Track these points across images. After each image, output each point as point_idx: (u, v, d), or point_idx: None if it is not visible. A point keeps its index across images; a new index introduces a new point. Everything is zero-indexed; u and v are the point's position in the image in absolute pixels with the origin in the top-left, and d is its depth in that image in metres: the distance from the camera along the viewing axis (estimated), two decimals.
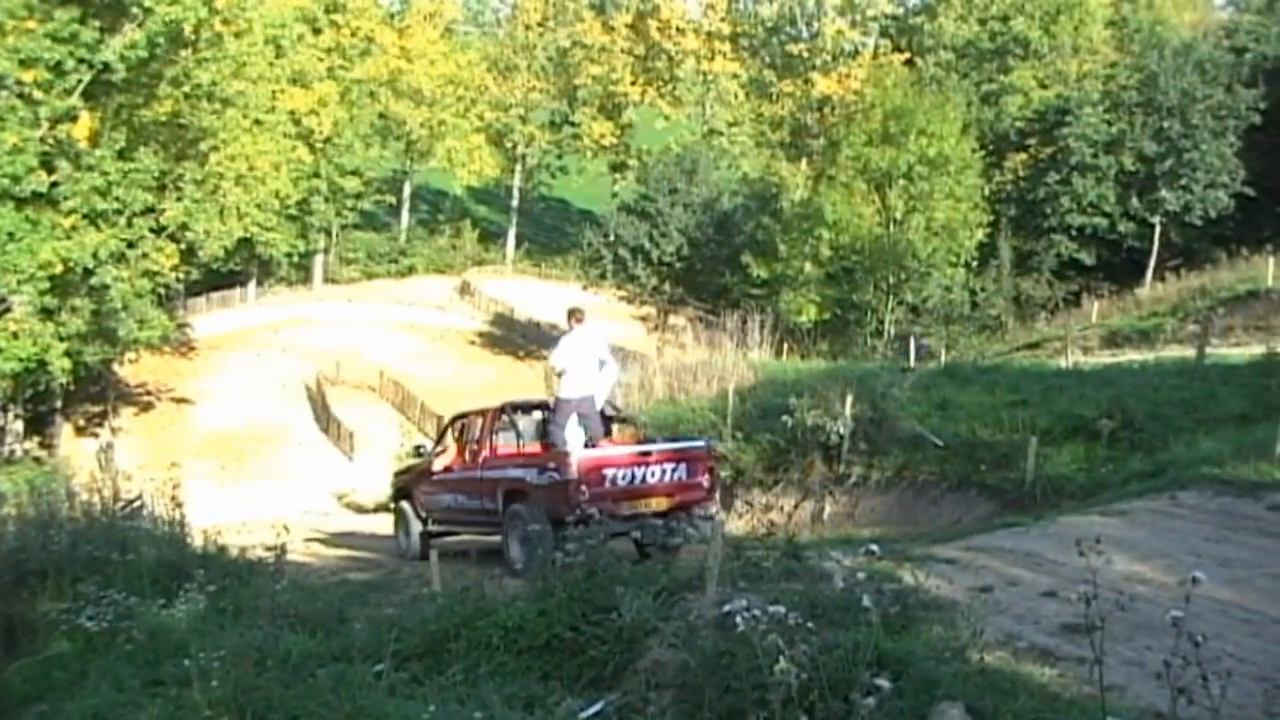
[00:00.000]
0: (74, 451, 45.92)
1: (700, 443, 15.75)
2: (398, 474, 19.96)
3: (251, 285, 75.93)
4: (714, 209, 56.51)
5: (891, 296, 46.57)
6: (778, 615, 6.22)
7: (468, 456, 16.84)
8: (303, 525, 23.60)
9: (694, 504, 14.80)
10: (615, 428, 16.97)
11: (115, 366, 51.37)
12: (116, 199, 41.12)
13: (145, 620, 11.57)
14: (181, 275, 50.45)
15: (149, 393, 56.49)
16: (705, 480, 14.92)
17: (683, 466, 14.69)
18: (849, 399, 19.98)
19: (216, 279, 68.20)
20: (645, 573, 9.28)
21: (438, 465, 17.62)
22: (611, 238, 57.65)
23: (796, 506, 19.49)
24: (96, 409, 52.92)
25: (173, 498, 15.83)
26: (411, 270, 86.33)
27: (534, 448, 16.19)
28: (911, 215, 46.53)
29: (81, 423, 52.01)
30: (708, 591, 8.43)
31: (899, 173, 46.38)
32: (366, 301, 74.77)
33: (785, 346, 34.60)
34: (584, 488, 13.83)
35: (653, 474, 14.48)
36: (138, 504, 18.06)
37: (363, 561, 18.00)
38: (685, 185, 56.88)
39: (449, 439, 17.88)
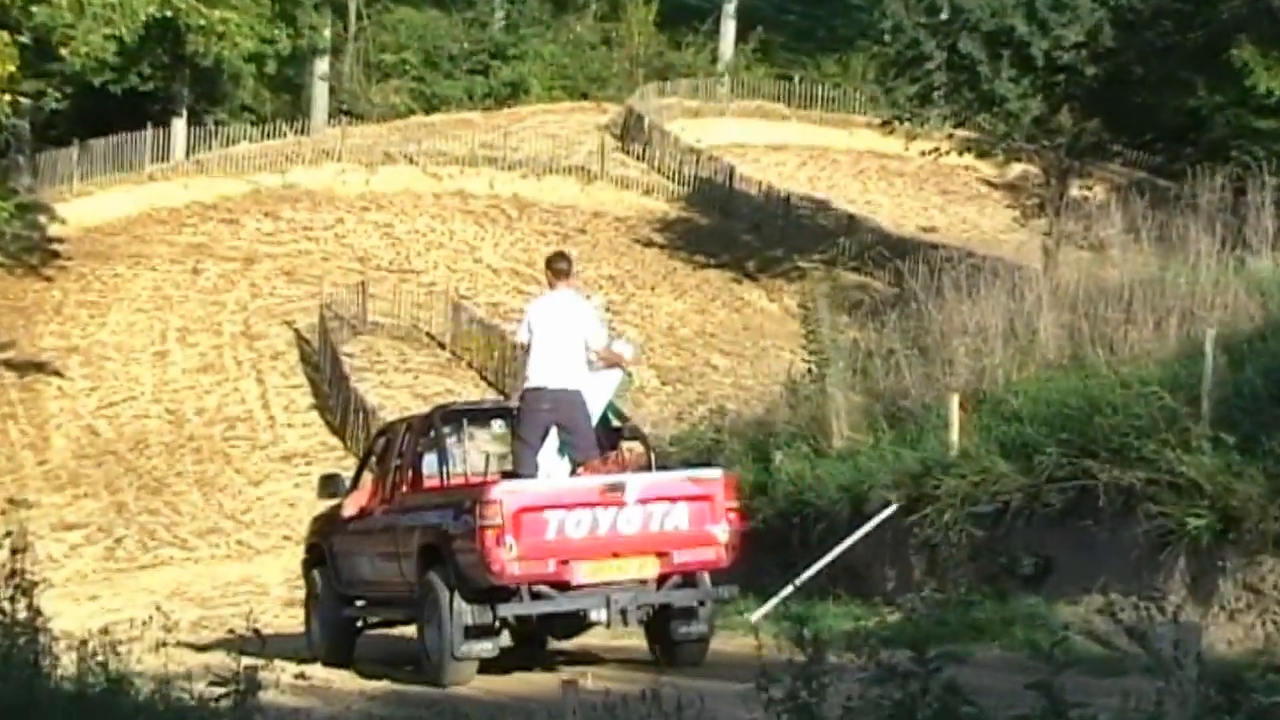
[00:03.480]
0: None
1: (714, 472, 15.57)
2: (315, 520, 19.22)
3: (179, 125, 61.85)
4: None
5: None
6: None
7: (386, 493, 16.27)
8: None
9: (702, 567, 14.54)
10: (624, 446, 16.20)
11: None
12: None
13: None
14: (28, 101, 43.87)
15: None
16: (723, 531, 14.40)
17: (681, 508, 14.29)
18: None
19: (106, 112, 57.08)
20: None
21: (349, 509, 16.83)
22: (944, 16, 43.64)
23: None
24: None
25: (11, 574, 11.93)
26: (516, 92, 71.90)
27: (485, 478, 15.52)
28: None
29: None
30: None
31: None
32: (422, 157, 61.13)
33: None
34: (510, 539, 13.50)
35: (629, 520, 14.06)
36: None
37: (403, 691, 14.70)
38: None
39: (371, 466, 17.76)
